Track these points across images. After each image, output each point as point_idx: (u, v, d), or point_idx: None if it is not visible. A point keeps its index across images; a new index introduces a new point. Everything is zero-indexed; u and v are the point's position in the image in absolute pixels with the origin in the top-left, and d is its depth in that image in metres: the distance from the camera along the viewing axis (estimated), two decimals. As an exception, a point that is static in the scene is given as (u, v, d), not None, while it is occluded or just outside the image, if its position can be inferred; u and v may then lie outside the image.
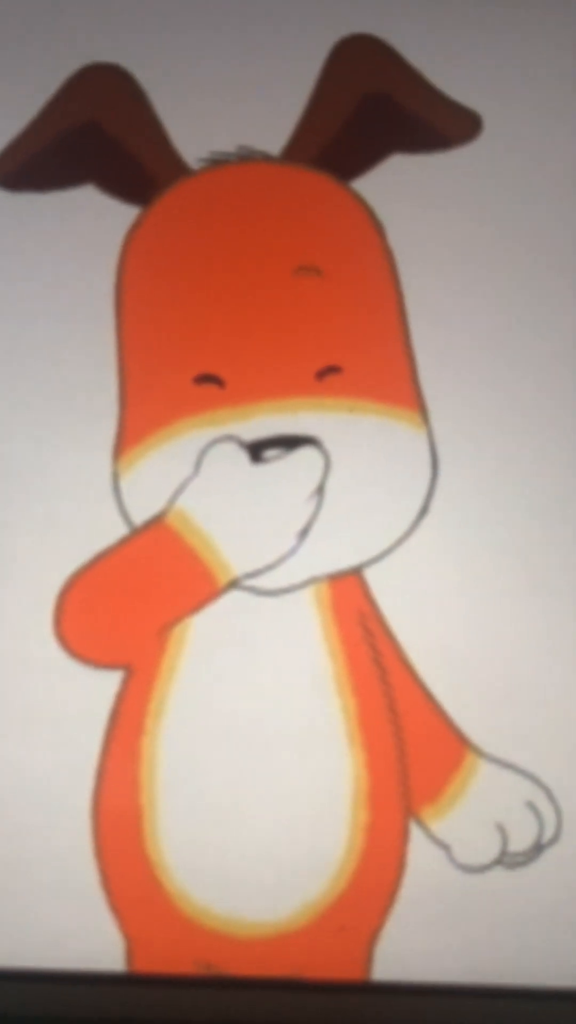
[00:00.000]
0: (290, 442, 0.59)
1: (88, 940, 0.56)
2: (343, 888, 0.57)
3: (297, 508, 0.59)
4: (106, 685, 0.57)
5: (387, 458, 0.59)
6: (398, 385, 0.60)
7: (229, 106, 0.62)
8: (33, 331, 0.60)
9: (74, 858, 0.56)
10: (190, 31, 0.63)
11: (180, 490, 0.59)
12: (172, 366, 0.60)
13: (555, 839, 0.57)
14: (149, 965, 0.57)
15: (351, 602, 0.58)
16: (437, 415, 0.60)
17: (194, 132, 0.61)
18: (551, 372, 0.60)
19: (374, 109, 0.62)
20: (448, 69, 0.63)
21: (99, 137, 0.61)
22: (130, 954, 0.57)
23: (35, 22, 0.63)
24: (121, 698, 0.57)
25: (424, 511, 0.59)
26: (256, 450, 0.60)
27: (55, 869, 0.56)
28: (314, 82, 0.62)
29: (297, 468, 0.59)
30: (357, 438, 0.59)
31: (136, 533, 0.59)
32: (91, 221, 0.61)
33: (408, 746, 0.57)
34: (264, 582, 0.58)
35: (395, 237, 0.61)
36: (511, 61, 0.63)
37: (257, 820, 0.57)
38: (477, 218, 0.62)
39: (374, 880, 0.57)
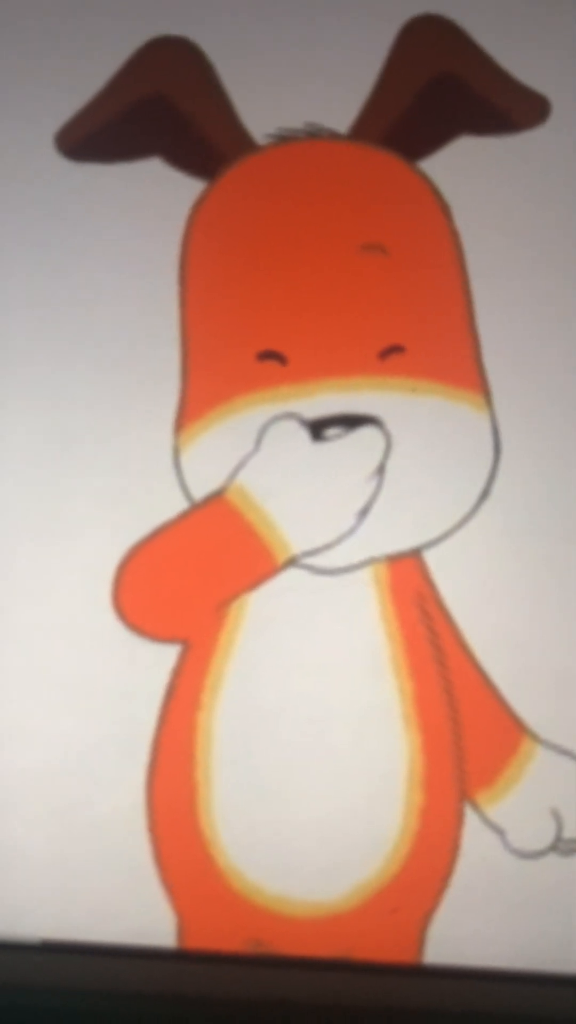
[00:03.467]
0: (351, 421, 0.59)
1: (139, 915, 0.56)
2: (396, 870, 0.56)
3: (357, 487, 0.59)
4: (164, 659, 0.57)
5: (449, 439, 0.59)
6: (461, 366, 0.60)
7: (298, 83, 0.61)
8: (97, 303, 0.60)
9: (127, 832, 0.56)
10: (260, 6, 0.62)
11: (240, 466, 0.59)
12: (235, 342, 0.59)
13: (611, 827, 0.57)
14: (200, 942, 0.56)
15: (410, 583, 0.58)
16: (500, 397, 0.60)
17: (262, 108, 0.61)
18: (616, 357, 0.61)
19: (442, 90, 0.61)
20: (517, 52, 0.62)
21: (166, 110, 0.61)
22: (181, 930, 0.56)
23: (104, -6, 0.63)
24: (178, 672, 0.57)
25: (486, 494, 0.59)
26: (317, 428, 0.59)
27: (108, 843, 0.56)
28: (383, 61, 0.61)
29: (358, 447, 0.59)
30: (419, 419, 0.59)
31: (196, 508, 0.58)
32: (157, 194, 0.60)
33: (464, 729, 0.57)
34: (322, 561, 0.58)
35: (461, 219, 0.61)
36: (580, 46, 0.63)
37: (311, 799, 0.56)
38: (544, 202, 0.61)
39: (428, 863, 0.56)
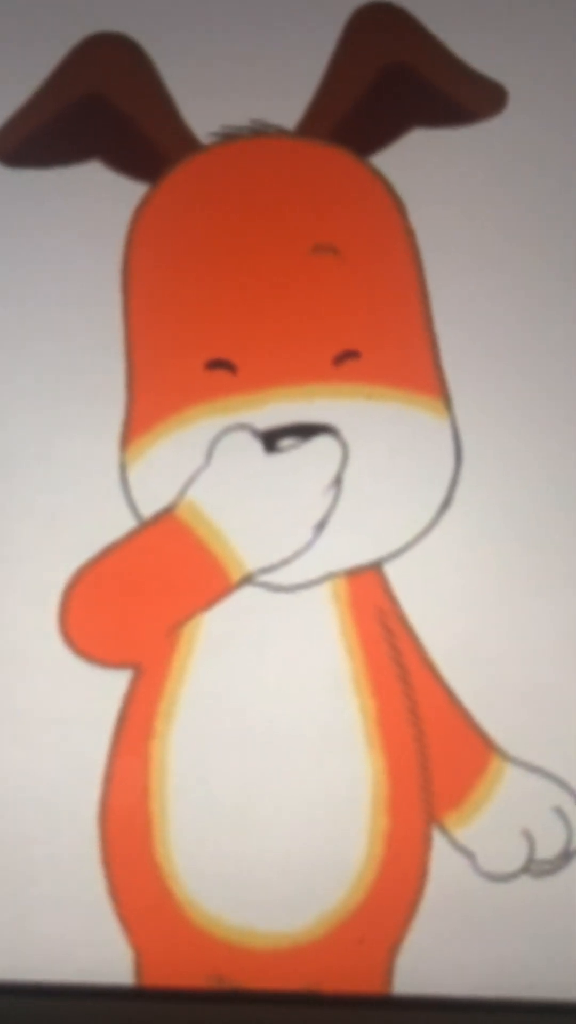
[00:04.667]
0: (306, 431, 0.57)
1: (95, 952, 0.54)
2: (362, 898, 0.54)
3: (313, 500, 0.56)
4: (114, 685, 0.55)
5: (408, 447, 0.57)
6: (419, 371, 0.57)
7: (241, 78, 0.59)
8: (37, 314, 0.57)
9: (80, 866, 0.54)
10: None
11: (191, 481, 0.56)
12: (182, 351, 0.57)
13: (584, 847, 0.55)
14: (159, 978, 0.54)
15: (370, 598, 0.56)
16: (460, 402, 0.57)
17: (205, 105, 0.58)
18: (579, 357, 0.58)
19: (393, 81, 0.59)
20: (471, 39, 0.59)
21: (105, 110, 0.58)
22: (139, 966, 0.54)
23: (38, -10, 0.60)
24: (129, 699, 0.55)
25: (447, 503, 0.56)
26: (270, 439, 0.57)
27: (61, 878, 0.54)
28: (330, 52, 0.59)
29: (313, 458, 0.56)
30: (376, 426, 0.57)
31: (145, 526, 0.56)
32: (97, 199, 0.58)
33: (430, 749, 0.55)
34: (279, 578, 0.56)
35: (416, 215, 0.58)
36: (536, 31, 0.60)
37: (272, 827, 0.54)
38: (502, 195, 0.59)
39: (395, 890, 0.54)
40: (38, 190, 0.58)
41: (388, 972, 0.54)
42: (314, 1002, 0.54)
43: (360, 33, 0.59)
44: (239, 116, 0.59)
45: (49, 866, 0.54)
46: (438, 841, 0.55)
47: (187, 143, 0.58)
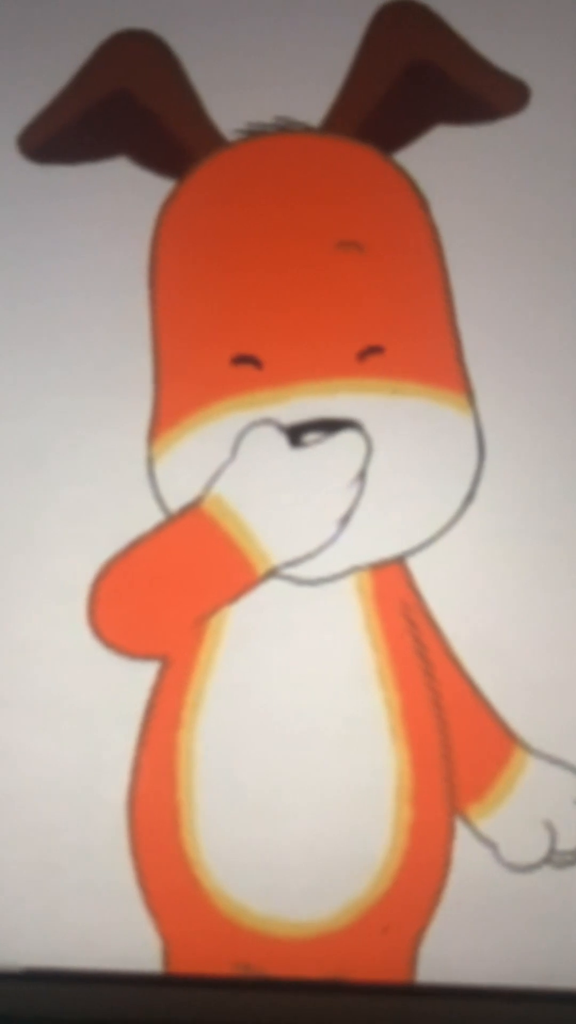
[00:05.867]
0: (330, 425, 0.57)
1: (124, 940, 0.55)
2: (387, 887, 0.55)
3: (338, 494, 0.57)
4: (142, 677, 0.56)
5: (432, 442, 0.57)
6: (443, 366, 0.58)
7: (267, 75, 0.59)
8: (64, 310, 0.58)
9: (109, 856, 0.55)
10: (226, -4, 0.60)
11: (217, 475, 0.57)
12: (208, 346, 0.58)
13: (606, 838, 0.55)
14: (186, 966, 0.55)
15: (394, 592, 0.56)
16: (484, 397, 0.58)
17: (230, 102, 0.59)
18: (602, 353, 0.59)
19: (418, 78, 0.59)
20: (495, 37, 0.60)
21: (132, 107, 0.59)
22: (167, 954, 0.55)
23: (64, -13, 0.61)
24: (157, 690, 0.56)
25: (470, 497, 0.57)
26: (295, 434, 0.57)
27: (90, 867, 0.55)
28: (355, 50, 0.59)
29: (338, 452, 0.57)
30: (400, 421, 0.57)
31: (171, 520, 0.57)
32: (124, 195, 0.58)
33: (453, 741, 0.55)
34: (304, 571, 0.56)
35: (440, 212, 0.59)
36: (560, 29, 0.60)
37: (297, 817, 0.55)
38: (525, 191, 0.59)
39: (419, 879, 0.55)
40: (66, 186, 0.59)
41: (412, 960, 0.55)
42: (339, 990, 0.54)
43: (384, 30, 0.60)
44: (264, 113, 0.59)
45: (78, 855, 0.55)
46: (461, 832, 0.55)
47: (213, 139, 0.59)
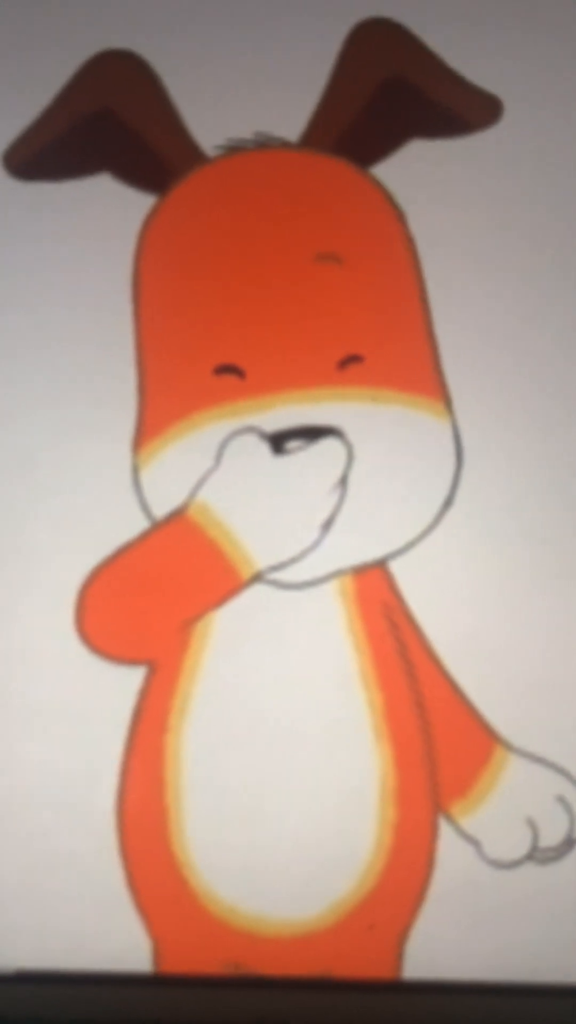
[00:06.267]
0: (312, 433, 0.58)
1: (114, 941, 0.56)
2: (372, 886, 0.56)
3: (320, 500, 0.58)
4: (129, 681, 0.57)
5: (411, 448, 0.58)
6: (421, 374, 0.59)
7: (245, 92, 0.61)
8: (50, 322, 0.59)
9: (99, 858, 0.56)
10: (204, 15, 0.61)
11: (201, 483, 0.58)
12: (191, 357, 0.59)
13: (587, 833, 0.56)
14: (176, 966, 0.56)
15: (376, 595, 0.58)
16: (461, 404, 0.59)
17: (210, 118, 0.60)
18: (576, 359, 0.60)
19: (392, 94, 0.61)
20: (467, 52, 0.61)
21: (114, 125, 0.60)
22: (157, 955, 0.56)
23: (46, 7, 0.61)
24: (144, 695, 0.57)
25: (449, 502, 0.58)
26: (277, 441, 0.59)
27: (80, 870, 0.56)
28: (331, 67, 0.61)
29: (319, 459, 0.58)
30: (380, 428, 0.58)
31: (157, 527, 0.58)
32: (107, 210, 0.60)
33: (436, 741, 0.56)
34: (288, 575, 0.57)
35: (415, 224, 0.60)
36: (531, 43, 0.62)
37: (284, 818, 0.56)
38: (499, 203, 0.61)
39: (403, 877, 0.56)
40: (50, 202, 0.60)
41: (398, 957, 0.56)
42: (327, 987, 0.55)
43: (360, 47, 0.61)
44: (243, 129, 0.61)
45: (68, 858, 0.56)
46: (445, 830, 0.56)
47: (193, 156, 0.60)
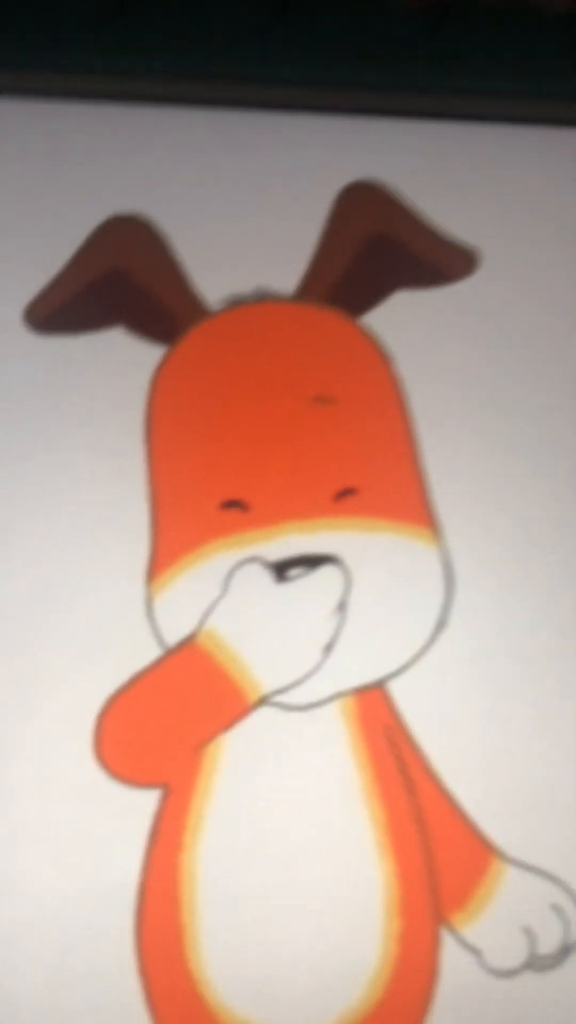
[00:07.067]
0: (312, 561, 0.63)
1: (133, 1058, 0.58)
2: (379, 996, 0.58)
3: (321, 624, 0.62)
4: (145, 804, 0.60)
5: (404, 573, 0.63)
6: (411, 504, 0.64)
7: (245, 250, 0.66)
8: (68, 466, 0.63)
9: (118, 977, 0.58)
10: (207, 181, 0.68)
11: (209, 611, 0.62)
12: (199, 493, 0.63)
13: (582, 941, 0.59)
14: None
15: (376, 715, 0.61)
16: (450, 531, 0.64)
17: (213, 275, 0.66)
18: (557, 487, 0.65)
19: (379, 250, 0.67)
20: (448, 207, 0.68)
21: (125, 283, 0.66)
22: (175, 1071, 0.58)
23: (61, 177, 0.68)
24: (160, 816, 0.60)
25: (442, 623, 0.62)
26: (280, 569, 0.63)
27: (99, 989, 0.58)
28: (322, 226, 0.67)
29: (319, 585, 0.62)
30: (375, 555, 0.63)
31: (169, 654, 0.62)
32: (120, 360, 0.65)
33: (436, 853, 0.60)
34: (292, 698, 0.61)
35: (403, 366, 0.66)
36: (506, 199, 0.68)
37: (293, 931, 0.59)
38: (479, 345, 0.67)
39: (408, 987, 0.58)
40: (68, 355, 0.65)
41: (406, 1068, 0.58)
42: None
43: (348, 209, 0.67)
44: (244, 284, 0.66)
45: (88, 977, 0.58)
46: (447, 940, 0.59)
47: (199, 310, 0.66)
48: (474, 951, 0.59)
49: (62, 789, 0.60)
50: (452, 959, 0.59)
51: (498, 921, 0.59)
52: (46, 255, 0.66)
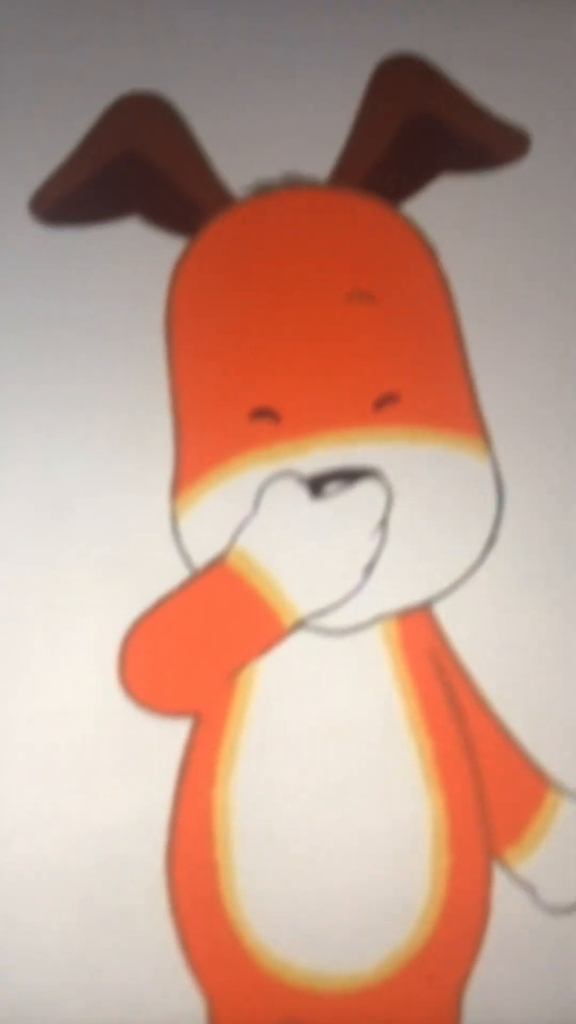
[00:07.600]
0: (350, 475, 0.58)
1: (168, 1001, 0.54)
2: (428, 935, 0.55)
3: (361, 543, 0.57)
4: (175, 734, 0.56)
5: (451, 488, 0.58)
6: (459, 412, 0.59)
7: (273, 131, 0.60)
8: (82, 372, 0.58)
9: (149, 917, 0.55)
10: (229, 56, 0.61)
11: (240, 529, 0.57)
12: (226, 401, 0.58)
13: None
14: (231, 1024, 0.55)
15: (421, 639, 0.57)
16: (500, 441, 0.59)
17: (238, 159, 0.60)
18: (614, 392, 0.60)
19: (420, 130, 0.60)
20: (493, 86, 0.61)
21: (141, 168, 0.59)
22: (211, 1014, 0.55)
23: (70, 51, 0.61)
24: (191, 747, 0.56)
25: (492, 541, 0.58)
26: (316, 484, 0.58)
27: (130, 929, 0.55)
28: (358, 104, 0.60)
29: (359, 502, 0.58)
30: (419, 468, 0.58)
31: (197, 576, 0.57)
32: (136, 254, 0.59)
33: (487, 786, 0.56)
34: (331, 621, 0.57)
35: (448, 260, 0.60)
36: (558, 76, 0.62)
37: (336, 869, 0.55)
38: (530, 236, 0.60)
39: (460, 926, 0.55)
40: (78, 248, 0.59)
41: (457, 1009, 0.55)
42: (386, 1042, 0.55)
43: (385, 84, 0.61)
44: (272, 169, 0.60)
45: (118, 917, 0.55)
46: (499, 876, 0.56)
47: (222, 197, 0.60)
48: (528, 887, 0.55)
49: (88, 717, 0.56)
50: (505, 896, 0.55)
51: (554, 856, 0.55)
52: (53, 138, 0.60)
